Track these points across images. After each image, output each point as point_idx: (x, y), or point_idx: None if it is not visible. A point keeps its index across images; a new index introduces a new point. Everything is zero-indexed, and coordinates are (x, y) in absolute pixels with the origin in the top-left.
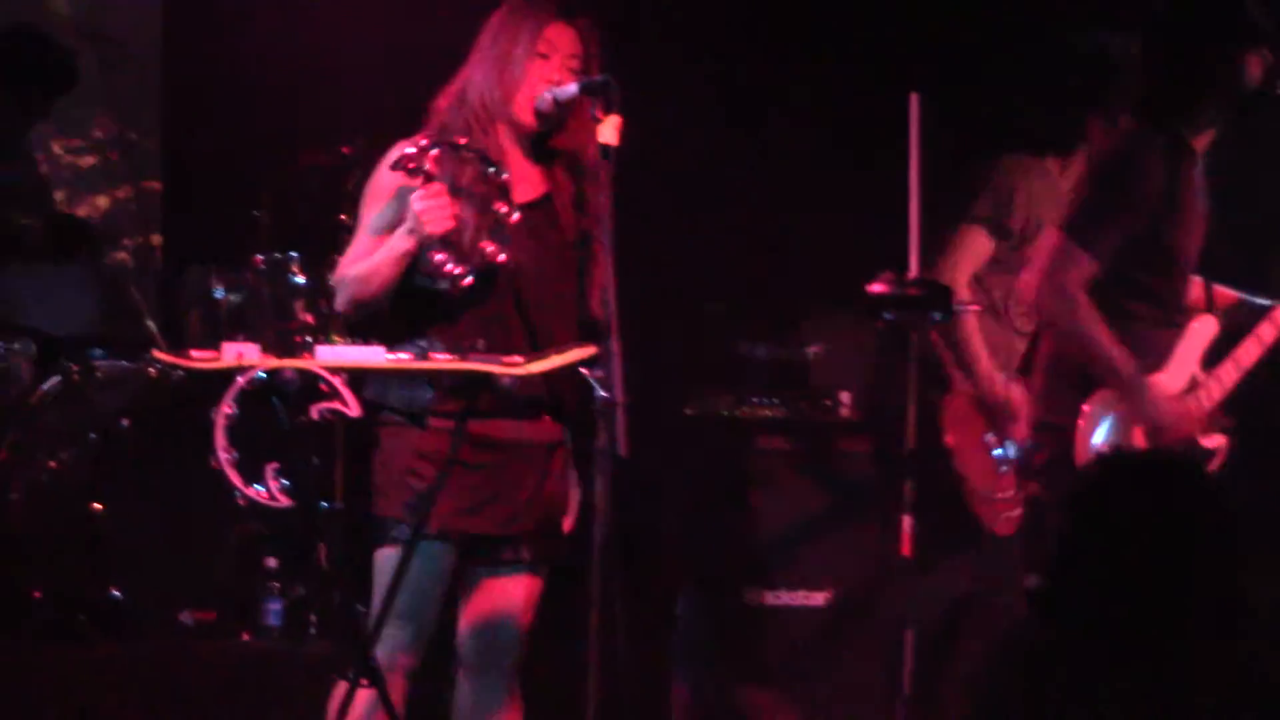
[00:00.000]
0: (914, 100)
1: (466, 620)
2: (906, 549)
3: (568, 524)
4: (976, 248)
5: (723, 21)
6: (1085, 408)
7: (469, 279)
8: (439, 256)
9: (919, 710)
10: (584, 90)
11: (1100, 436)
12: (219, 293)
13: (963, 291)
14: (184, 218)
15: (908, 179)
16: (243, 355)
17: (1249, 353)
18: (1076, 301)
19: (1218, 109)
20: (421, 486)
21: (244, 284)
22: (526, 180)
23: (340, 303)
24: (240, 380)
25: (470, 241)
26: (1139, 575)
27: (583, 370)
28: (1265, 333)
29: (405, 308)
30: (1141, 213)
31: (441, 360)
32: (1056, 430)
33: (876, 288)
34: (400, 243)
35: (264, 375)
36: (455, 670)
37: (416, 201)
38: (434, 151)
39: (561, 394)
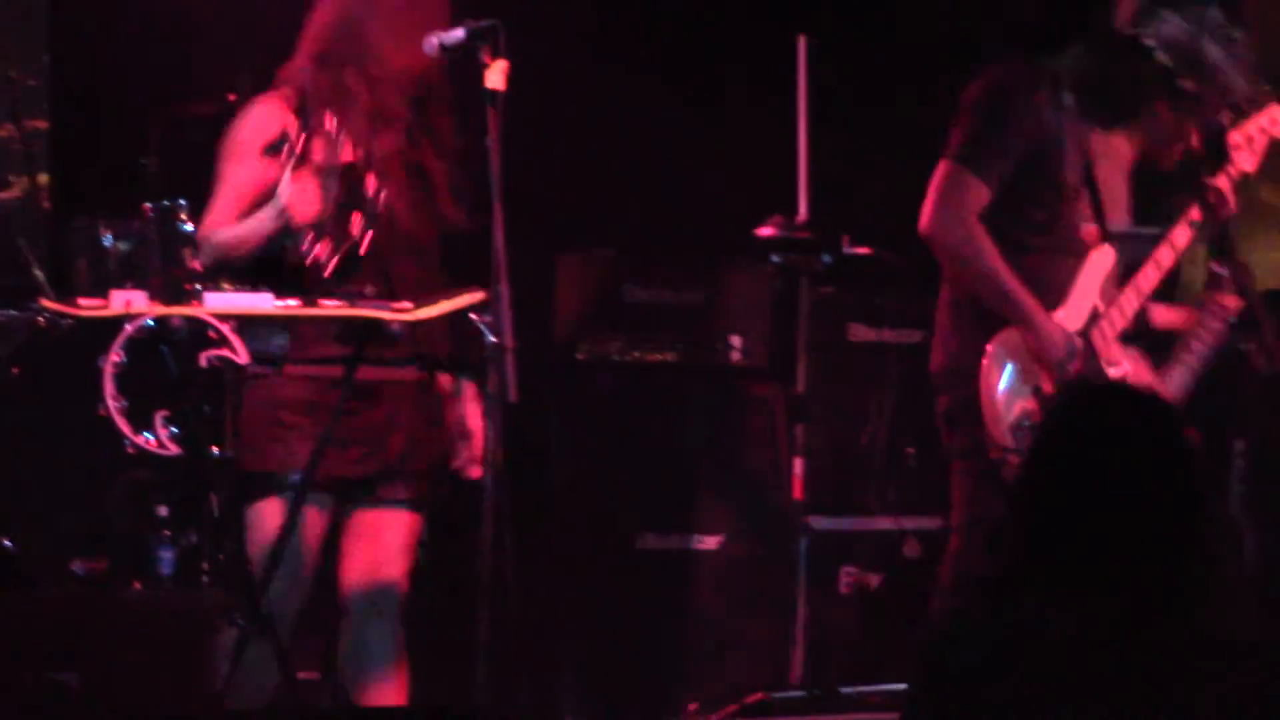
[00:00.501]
0: (802, 42)
1: (349, 566)
2: (798, 492)
3: (473, 469)
4: None
5: None
6: (988, 348)
7: (334, 260)
8: (305, 242)
9: (812, 653)
10: (470, 35)
11: (1005, 381)
12: (107, 240)
13: None
14: (71, 161)
15: (797, 122)
16: (131, 303)
17: (1148, 279)
18: (973, 230)
19: (1089, 47)
20: (286, 435)
21: (132, 232)
22: (395, 127)
23: (203, 261)
24: (128, 328)
25: (336, 223)
26: (1101, 505)
27: (472, 315)
28: (1163, 257)
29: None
30: (1023, 140)
31: (332, 306)
32: (960, 373)
33: (765, 231)
34: (267, 224)
35: (152, 323)
36: (340, 621)
37: (285, 188)
38: (304, 135)
39: (432, 338)
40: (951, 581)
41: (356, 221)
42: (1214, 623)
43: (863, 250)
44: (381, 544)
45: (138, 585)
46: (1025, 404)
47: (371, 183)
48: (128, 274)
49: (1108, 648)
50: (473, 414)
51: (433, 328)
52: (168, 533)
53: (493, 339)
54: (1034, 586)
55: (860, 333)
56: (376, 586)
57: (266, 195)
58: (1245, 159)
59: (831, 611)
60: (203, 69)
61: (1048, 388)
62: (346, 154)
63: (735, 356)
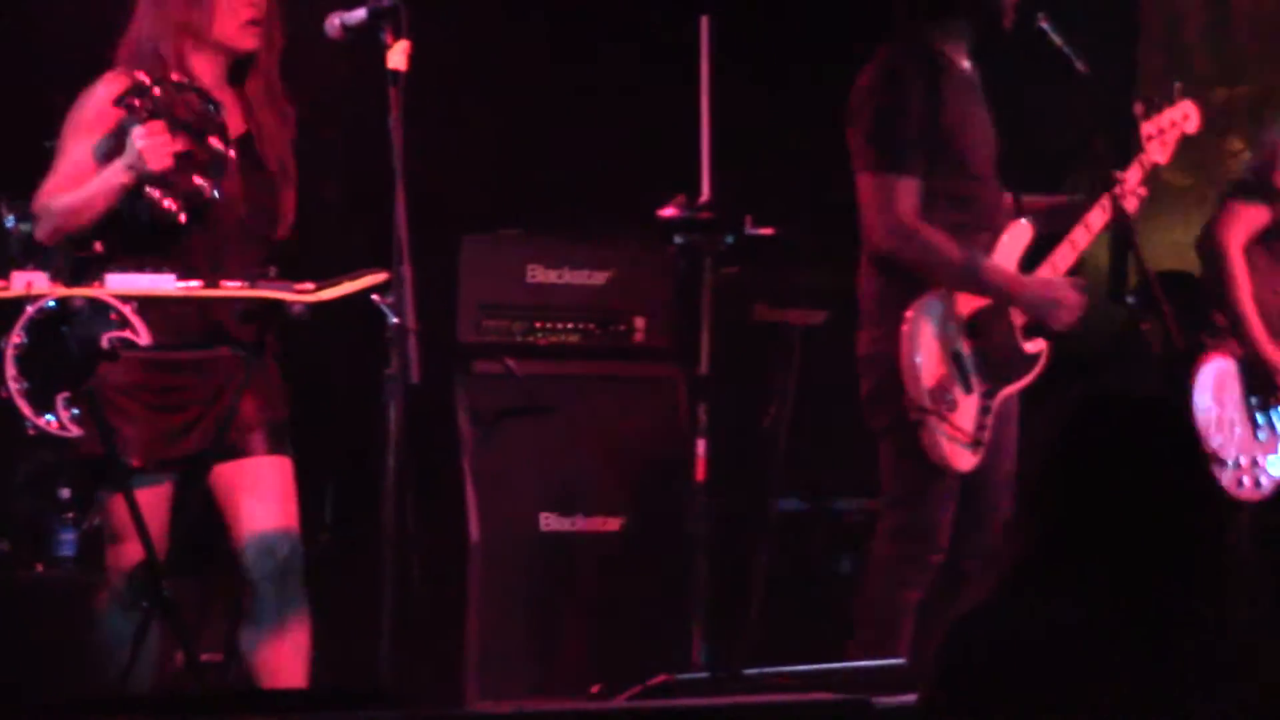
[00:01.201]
0: (704, 22)
1: (236, 532)
2: (700, 474)
3: None
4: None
5: None
6: (907, 314)
7: (183, 216)
8: (155, 193)
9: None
10: (372, 15)
11: (924, 344)
12: (9, 222)
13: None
14: None
15: (699, 102)
16: (32, 284)
17: (1065, 257)
18: (916, 230)
19: (975, 25)
20: (122, 422)
21: (34, 213)
22: (231, 112)
23: (42, 232)
24: (29, 309)
25: (185, 177)
26: (1116, 507)
27: (374, 297)
28: (1079, 238)
29: (125, 238)
30: (927, 120)
31: (234, 287)
32: (885, 357)
33: (668, 212)
34: (116, 176)
35: (54, 304)
36: (242, 597)
37: (139, 138)
38: (156, 88)
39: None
40: (887, 559)
41: (205, 182)
42: (1225, 620)
43: (766, 231)
44: (251, 501)
45: (40, 567)
46: (942, 367)
47: (219, 143)
48: (29, 255)
49: (1122, 645)
50: None
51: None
52: (70, 515)
53: (395, 320)
54: (1048, 584)
55: (764, 313)
56: (265, 547)
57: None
58: (1157, 150)
59: (735, 593)
60: (104, 51)
61: (966, 350)
62: (194, 112)
63: (638, 337)
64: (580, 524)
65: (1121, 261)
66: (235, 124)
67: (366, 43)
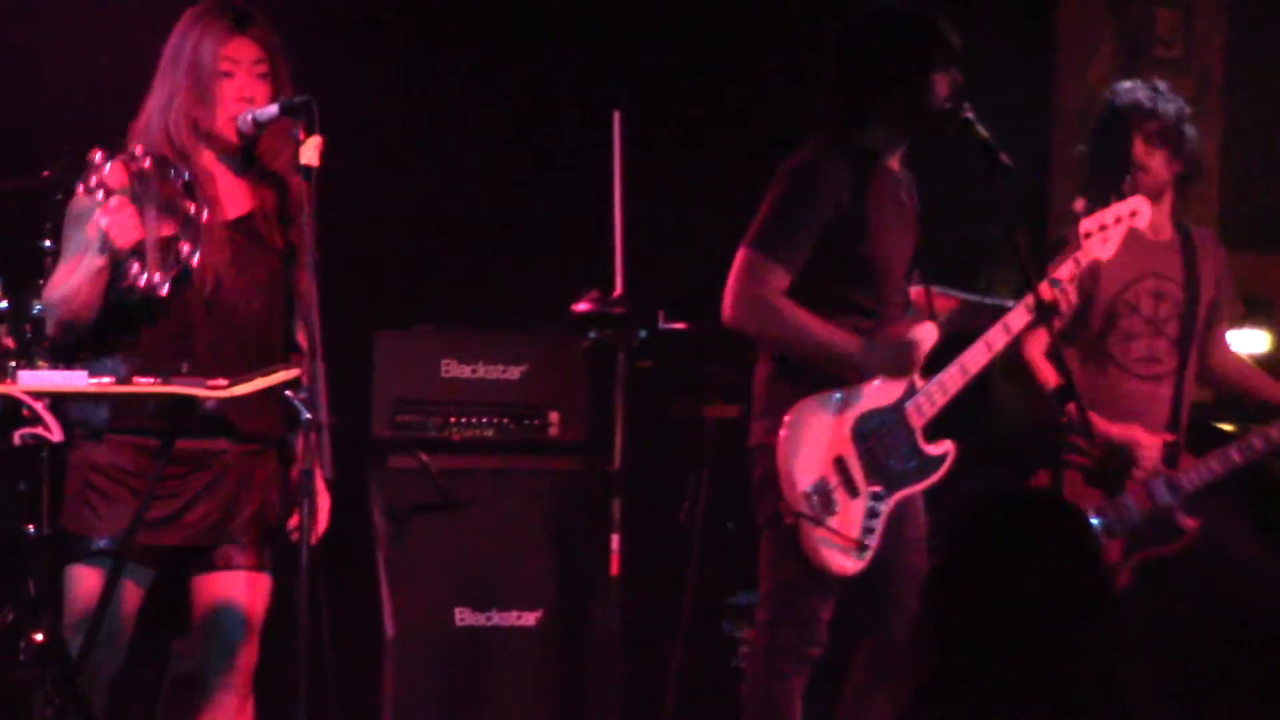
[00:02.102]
0: (616, 118)
1: (197, 631)
2: (615, 568)
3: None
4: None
5: (424, 46)
6: (785, 418)
7: (165, 288)
8: (133, 269)
9: None
10: (284, 111)
11: (800, 449)
12: None
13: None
14: None
15: (612, 198)
16: None
17: (976, 360)
18: (778, 307)
19: (906, 125)
20: (98, 501)
21: (44, 308)
22: (232, 197)
23: (51, 327)
24: None
25: (163, 246)
26: (1018, 611)
27: (287, 393)
28: (995, 339)
29: (103, 325)
30: (824, 221)
31: (145, 384)
32: (767, 449)
33: (581, 306)
34: (92, 260)
35: None
36: (180, 699)
37: (101, 218)
38: (108, 167)
39: (252, 409)
40: (764, 650)
41: (184, 246)
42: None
43: (679, 325)
44: (224, 604)
45: None
46: (821, 471)
47: (191, 206)
48: None
49: None
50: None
51: (258, 402)
52: None
53: (308, 415)
54: (956, 692)
55: (679, 408)
56: (223, 644)
57: None
58: (1097, 246)
59: (650, 686)
60: (14, 144)
61: (852, 454)
62: (170, 226)
63: (553, 432)
64: (496, 618)
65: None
66: (239, 206)
67: (278, 139)
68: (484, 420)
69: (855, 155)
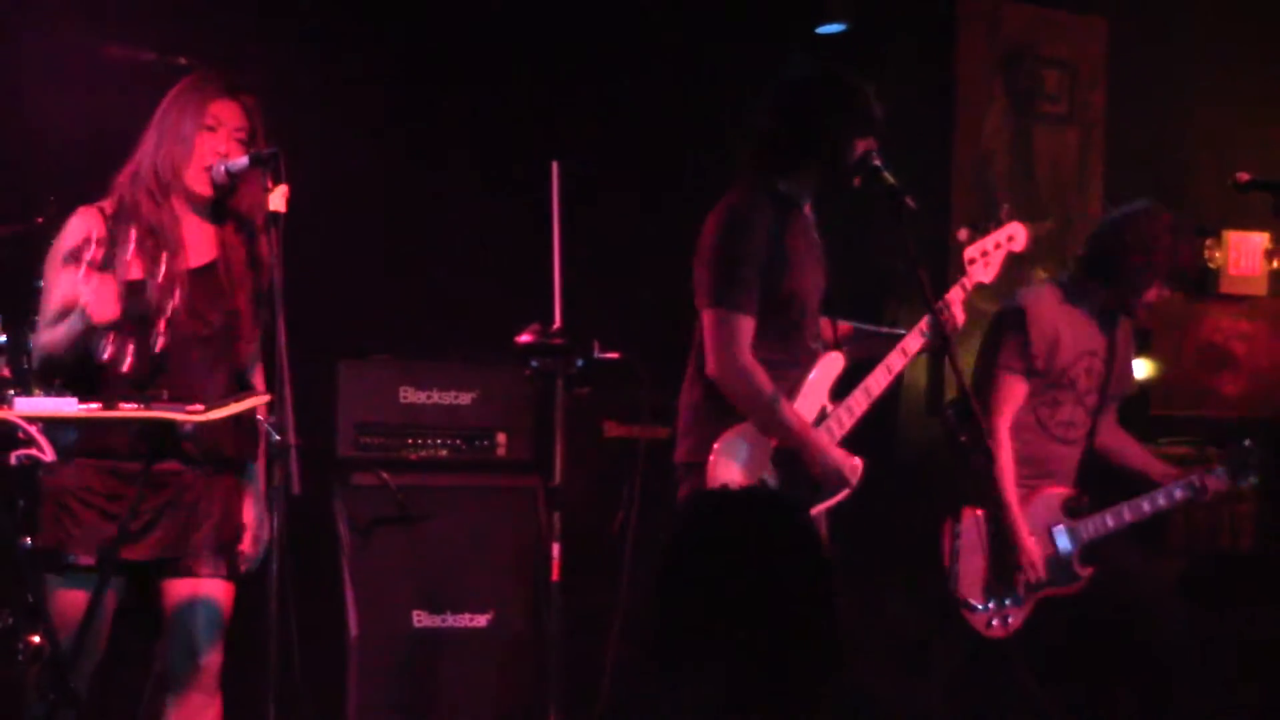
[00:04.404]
0: (554, 167)
1: (165, 633)
2: (556, 574)
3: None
4: (1014, 393)
5: (387, 99)
6: (716, 445)
7: (126, 366)
8: (104, 345)
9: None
10: (254, 162)
11: (730, 474)
12: None
13: (1004, 433)
14: None
15: (551, 239)
16: None
17: (878, 382)
18: (753, 376)
19: (822, 178)
20: (70, 522)
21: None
22: (199, 245)
23: (36, 364)
24: None
25: (130, 291)
26: (738, 610)
27: (259, 416)
28: (894, 362)
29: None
30: (761, 262)
31: (129, 409)
32: (696, 467)
33: (524, 338)
34: (74, 326)
35: None
36: (157, 696)
37: (84, 293)
38: (95, 242)
39: (216, 435)
40: None
41: (157, 328)
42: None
43: (612, 355)
44: (193, 615)
45: None
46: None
47: (171, 293)
48: None
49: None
50: (248, 509)
51: (218, 427)
52: None
53: (278, 437)
54: (675, 667)
55: (612, 429)
56: (192, 656)
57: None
58: (981, 272)
59: (588, 678)
60: (13, 194)
61: (771, 475)
62: (138, 270)
63: (501, 452)
64: (450, 620)
65: (939, 379)
66: (203, 254)
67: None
68: (438, 441)
69: (777, 199)
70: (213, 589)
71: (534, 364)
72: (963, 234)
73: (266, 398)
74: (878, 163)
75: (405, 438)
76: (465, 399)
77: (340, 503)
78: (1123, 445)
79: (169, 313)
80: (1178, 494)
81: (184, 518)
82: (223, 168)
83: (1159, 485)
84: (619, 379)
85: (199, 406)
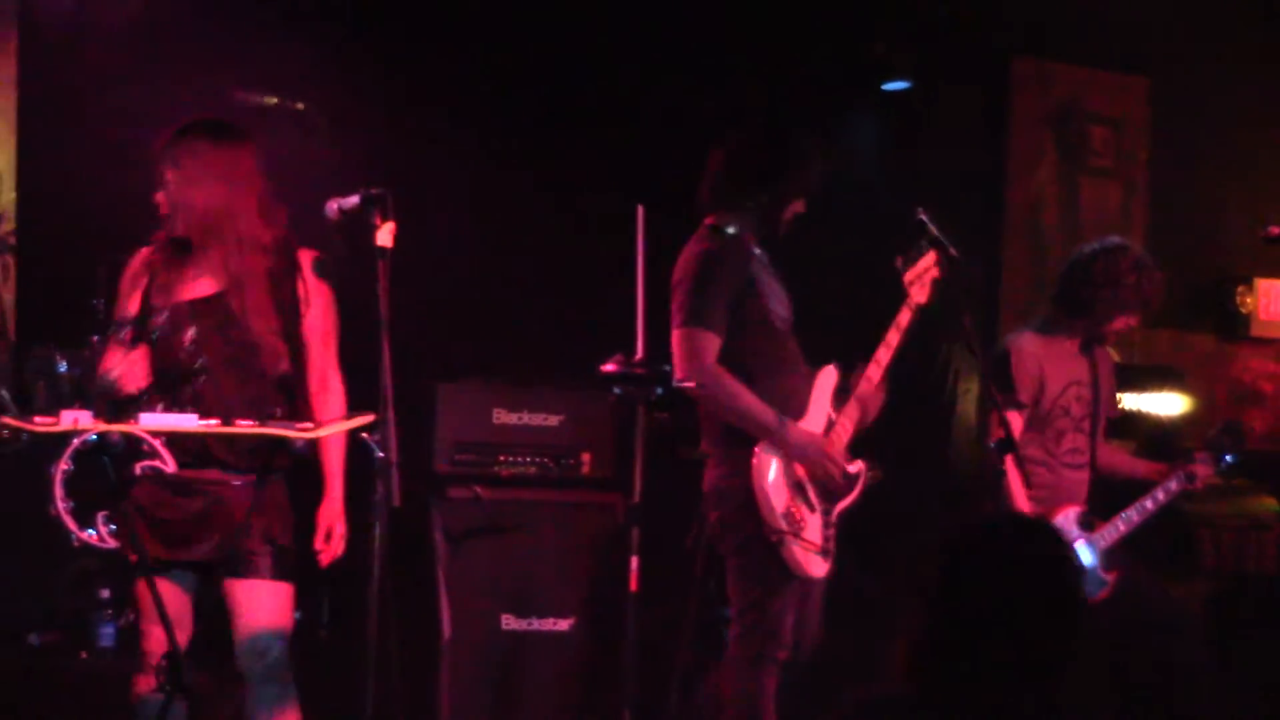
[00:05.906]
0: (640, 211)
1: (235, 637)
2: (634, 584)
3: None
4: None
5: (480, 141)
6: (756, 449)
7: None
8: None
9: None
10: (364, 200)
11: (772, 475)
12: (62, 367)
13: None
14: (32, 298)
15: (635, 276)
16: (78, 421)
17: (882, 357)
18: (721, 377)
19: (758, 228)
20: (145, 530)
21: (82, 360)
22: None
23: (97, 392)
24: (75, 441)
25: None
26: (1004, 622)
27: (363, 435)
28: (872, 373)
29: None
30: (735, 288)
31: (245, 425)
32: (728, 492)
33: (609, 367)
34: (111, 385)
35: (95, 437)
36: (239, 688)
37: (112, 370)
38: (126, 329)
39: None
40: (739, 660)
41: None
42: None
43: (689, 384)
44: (252, 612)
45: (84, 655)
46: (788, 496)
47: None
48: (78, 395)
49: None
50: (322, 511)
51: (250, 439)
52: (109, 612)
53: (380, 454)
54: (945, 696)
55: (686, 452)
56: (256, 651)
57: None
58: (919, 293)
59: (660, 681)
60: (143, 223)
61: (803, 476)
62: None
63: (585, 470)
64: (535, 624)
65: (985, 414)
66: (207, 286)
67: (359, 224)
68: (528, 459)
69: (736, 238)
70: (270, 590)
71: (617, 390)
72: (899, 261)
73: (371, 417)
74: (923, 217)
75: (497, 455)
76: (553, 421)
77: (437, 515)
78: (1111, 457)
79: (189, 340)
80: (1173, 485)
81: (230, 523)
82: (336, 205)
83: (1154, 484)
84: (693, 406)
85: (309, 424)
